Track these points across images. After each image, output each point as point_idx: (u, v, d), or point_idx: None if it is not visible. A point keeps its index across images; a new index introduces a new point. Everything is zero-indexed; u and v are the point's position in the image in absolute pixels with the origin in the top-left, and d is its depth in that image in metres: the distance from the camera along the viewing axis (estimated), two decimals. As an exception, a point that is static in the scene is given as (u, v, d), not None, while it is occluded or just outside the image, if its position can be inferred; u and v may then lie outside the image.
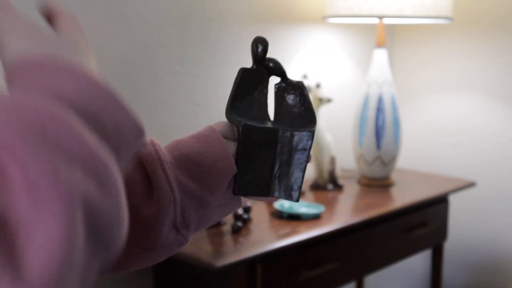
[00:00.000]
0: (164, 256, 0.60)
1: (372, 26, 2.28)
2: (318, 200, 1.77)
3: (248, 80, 0.68)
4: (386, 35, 2.37)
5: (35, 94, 0.33)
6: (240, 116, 0.64)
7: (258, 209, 1.66)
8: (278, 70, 0.68)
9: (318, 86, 1.89)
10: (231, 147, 0.63)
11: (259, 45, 0.65)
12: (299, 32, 2.03)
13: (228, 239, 1.42)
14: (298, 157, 0.66)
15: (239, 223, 1.47)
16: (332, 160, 1.91)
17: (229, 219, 1.54)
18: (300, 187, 0.65)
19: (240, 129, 0.63)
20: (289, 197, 0.65)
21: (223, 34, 1.79)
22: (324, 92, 1.91)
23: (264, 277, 1.38)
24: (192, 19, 1.71)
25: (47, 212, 0.29)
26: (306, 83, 1.80)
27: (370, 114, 1.94)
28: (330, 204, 1.73)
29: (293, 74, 2.02)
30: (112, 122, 0.36)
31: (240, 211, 1.51)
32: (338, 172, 1.94)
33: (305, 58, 2.07)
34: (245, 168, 0.64)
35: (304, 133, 0.66)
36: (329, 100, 1.88)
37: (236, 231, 1.46)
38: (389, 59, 2.43)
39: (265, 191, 0.65)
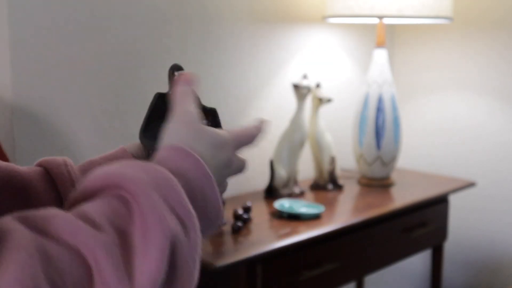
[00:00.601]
0: None
1: (372, 26, 2.28)
2: (318, 200, 1.77)
3: (163, 105, 0.72)
4: (386, 35, 2.37)
5: (161, 165, 0.50)
6: (152, 139, 0.66)
7: (258, 209, 1.66)
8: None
9: (318, 86, 1.89)
10: None
11: (175, 73, 0.72)
12: (299, 32, 2.03)
13: (228, 239, 1.42)
14: None
15: (239, 223, 1.47)
16: (332, 160, 1.91)
17: (229, 219, 1.54)
18: None
19: (150, 151, 0.65)
20: None
21: (223, 34, 1.79)
22: (324, 92, 1.90)
23: (264, 277, 1.38)
24: (192, 19, 1.71)
25: (153, 244, 0.43)
26: (306, 83, 1.80)
27: (370, 114, 1.94)
28: (330, 204, 1.73)
29: (293, 74, 2.02)
30: (202, 197, 0.52)
31: (240, 211, 1.51)
32: (338, 172, 1.94)
33: (305, 58, 2.07)
34: None
35: None
36: (329, 100, 1.88)
37: (236, 231, 1.46)
38: (389, 59, 2.42)
39: None
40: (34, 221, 0.40)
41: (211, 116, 0.73)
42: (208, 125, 0.67)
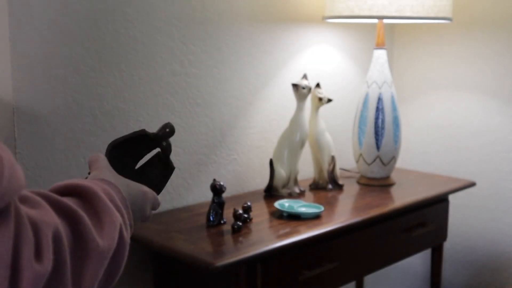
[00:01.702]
0: None
1: (372, 26, 2.28)
2: (318, 200, 1.77)
3: (139, 142, 0.87)
4: (385, 36, 2.37)
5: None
6: (116, 159, 0.84)
7: (258, 209, 1.66)
8: (167, 151, 0.89)
9: (318, 86, 1.89)
10: None
11: (168, 132, 0.88)
12: (299, 32, 2.03)
13: (228, 238, 1.43)
14: None
15: (239, 223, 1.47)
16: (332, 160, 1.91)
17: (229, 218, 1.54)
18: None
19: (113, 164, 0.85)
20: None
21: (223, 34, 1.80)
22: (324, 92, 1.91)
23: (264, 277, 1.38)
24: (192, 19, 1.71)
25: (108, 220, 0.66)
26: (306, 83, 1.80)
27: (370, 114, 1.94)
28: (330, 204, 1.73)
29: (293, 74, 2.02)
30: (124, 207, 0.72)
31: (240, 211, 1.51)
32: (338, 172, 1.94)
33: (305, 58, 2.07)
34: None
35: None
36: (329, 100, 1.88)
37: (236, 230, 1.46)
38: (388, 59, 2.43)
39: None
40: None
41: (169, 171, 0.90)
42: (159, 174, 0.90)
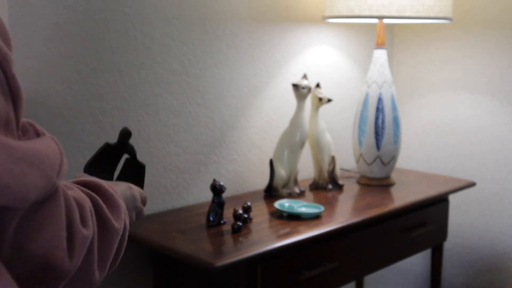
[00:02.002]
0: None
1: (372, 26, 2.28)
2: (318, 200, 1.77)
3: (108, 152, 0.98)
4: (385, 35, 2.38)
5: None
6: (93, 173, 0.95)
7: (258, 209, 1.66)
8: (132, 153, 1.01)
9: (318, 86, 1.89)
10: None
11: (125, 135, 0.98)
12: (299, 32, 2.03)
13: (228, 238, 1.43)
14: None
15: (239, 223, 1.47)
16: (332, 160, 1.91)
17: (229, 219, 1.54)
18: None
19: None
20: None
21: (223, 34, 1.80)
22: (324, 92, 1.91)
23: (264, 277, 1.38)
24: (192, 19, 1.71)
25: (120, 210, 0.78)
26: (306, 83, 1.80)
27: (370, 114, 1.94)
28: (330, 204, 1.73)
29: (293, 74, 2.02)
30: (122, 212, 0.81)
31: (240, 211, 1.51)
32: (338, 172, 1.94)
33: (305, 58, 2.07)
34: None
35: None
36: (329, 100, 1.88)
37: (236, 230, 1.46)
38: (388, 59, 2.43)
39: None
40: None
41: (141, 169, 1.01)
42: (134, 175, 1.00)
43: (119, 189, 0.87)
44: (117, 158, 0.98)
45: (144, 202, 0.94)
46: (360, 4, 1.80)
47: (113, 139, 1.57)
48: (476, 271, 2.33)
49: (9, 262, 0.58)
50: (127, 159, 1.00)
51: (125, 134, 0.98)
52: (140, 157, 1.64)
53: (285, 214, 1.59)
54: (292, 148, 1.81)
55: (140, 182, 0.99)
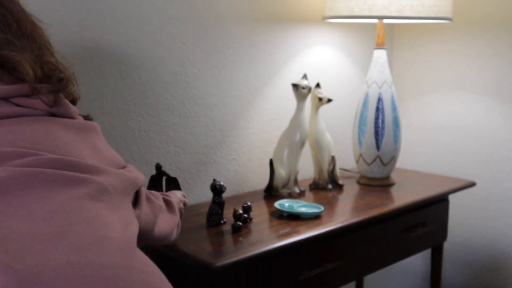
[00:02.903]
0: None
1: (372, 26, 2.29)
2: (318, 200, 1.77)
3: (155, 178, 1.51)
4: (385, 36, 2.38)
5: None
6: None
7: (258, 209, 1.66)
8: (167, 174, 1.51)
9: (318, 86, 1.89)
10: None
11: (159, 168, 1.51)
12: (299, 32, 2.03)
13: (228, 238, 1.43)
14: None
15: (239, 223, 1.47)
16: (332, 160, 1.91)
17: (229, 218, 1.54)
18: None
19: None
20: None
21: (223, 34, 1.80)
22: (324, 92, 1.91)
23: (264, 277, 1.38)
24: (192, 19, 1.71)
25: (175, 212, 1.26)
26: (306, 83, 1.80)
27: (370, 114, 1.94)
28: (330, 204, 1.74)
29: (293, 74, 2.02)
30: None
31: (240, 211, 1.51)
32: (338, 172, 1.94)
33: (305, 58, 2.07)
34: None
35: None
36: (329, 100, 1.88)
37: (236, 230, 1.46)
38: (388, 59, 2.43)
39: None
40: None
41: (172, 184, 1.50)
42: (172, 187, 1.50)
43: (174, 195, 1.30)
44: (160, 180, 1.50)
45: (184, 201, 1.36)
46: (360, 4, 1.80)
47: (113, 139, 1.58)
48: (476, 271, 2.33)
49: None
50: (165, 179, 1.50)
51: (159, 168, 1.49)
52: (141, 157, 1.64)
53: (285, 214, 1.60)
54: (292, 148, 1.81)
55: (178, 188, 1.48)
